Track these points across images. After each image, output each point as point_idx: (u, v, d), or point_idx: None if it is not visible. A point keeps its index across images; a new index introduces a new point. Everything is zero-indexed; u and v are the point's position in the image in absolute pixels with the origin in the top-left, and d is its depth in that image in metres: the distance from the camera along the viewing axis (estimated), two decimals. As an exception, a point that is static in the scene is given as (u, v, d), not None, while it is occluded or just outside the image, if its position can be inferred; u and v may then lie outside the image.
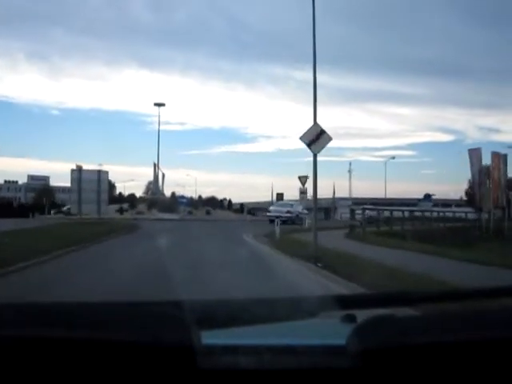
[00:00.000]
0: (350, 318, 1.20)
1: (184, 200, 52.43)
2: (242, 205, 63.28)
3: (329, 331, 1.26)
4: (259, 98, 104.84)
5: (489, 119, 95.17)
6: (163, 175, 51.30)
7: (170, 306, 1.05)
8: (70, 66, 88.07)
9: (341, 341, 0.94)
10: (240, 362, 0.92)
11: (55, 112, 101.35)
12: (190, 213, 50.61)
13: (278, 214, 31.45)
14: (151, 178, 51.87)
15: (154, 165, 49.35)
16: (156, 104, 48.98)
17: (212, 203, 61.31)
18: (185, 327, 0.92)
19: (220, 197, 69.12)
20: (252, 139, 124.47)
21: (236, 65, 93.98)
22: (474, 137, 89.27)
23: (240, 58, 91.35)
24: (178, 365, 0.89)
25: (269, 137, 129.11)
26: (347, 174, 69.47)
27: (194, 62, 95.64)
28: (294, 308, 1.16)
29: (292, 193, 59.67)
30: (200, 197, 66.02)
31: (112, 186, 52.11)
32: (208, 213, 55.22)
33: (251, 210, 59.33)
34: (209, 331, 1.00)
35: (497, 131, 71.51)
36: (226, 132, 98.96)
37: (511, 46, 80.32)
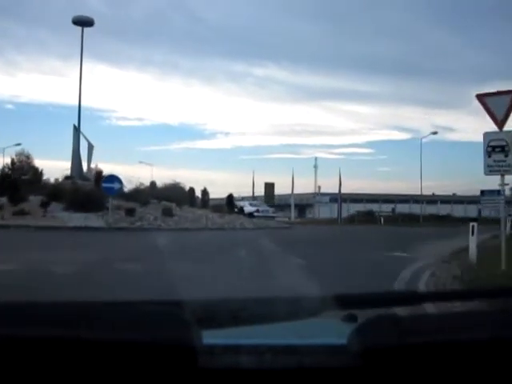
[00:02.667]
0: (352, 318, 1.20)
1: (114, 186, 25.72)
2: (230, 196, 45.41)
3: (330, 331, 1.28)
4: (218, 95, 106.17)
5: (443, 118, 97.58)
6: (90, 147, 32.60)
7: (170, 306, 1.05)
8: (24, 59, 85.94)
9: (342, 340, 0.94)
10: (241, 362, 0.92)
11: (10, 106, 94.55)
12: (129, 213, 26.84)
13: (251, 211, 38.90)
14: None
15: (74, 128, 32.88)
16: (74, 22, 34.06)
17: (175, 195, 33.50)
18: (186, 326, 0.91)
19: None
20: (210, 136, 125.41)
21: (194, 61, 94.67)
22: (429, 135, 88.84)
23: (199, 54, 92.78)
24: (178, 364, 0.89)
25: (227, 133, 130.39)
26: (306, 171, 67.29)
27: (152, 58, 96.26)
28: (295, 307, 1.16)
29: (247, 190, 58.72)
30: (153, 184, 38.12)
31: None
32: (168, 213, 29.26)
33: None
34: (210, 331, 1.00)
35: (450, 129, 74.74)
36: (184, 128, 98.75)
37: (467, 47, 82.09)
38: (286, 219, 48.83)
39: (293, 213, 51.83)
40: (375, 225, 41.83)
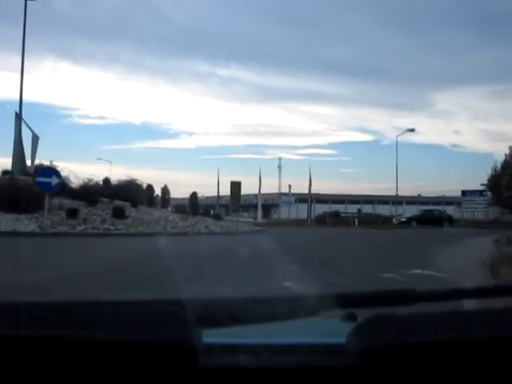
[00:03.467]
0: (351, 317, 1.19)
1: (52, 181, 20.58)
2: (193, 195, 41.43)
3: (329, 330, 1.27)
4: (183, 94, 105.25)
5: (406, 120, 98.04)
6: (35, 139, 27.09)
7: (170, 305, 1.05)
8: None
9: (341, 339, 0.94)
10: (240, 361, 0.92)
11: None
12: (71, 214, 21.86)
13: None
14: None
15: (16, 115, 27.91)
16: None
17: (130, 194, 29.38)
18: (185, 326, 0.92)
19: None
20: (174, 135, 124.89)
21: (160, 60, 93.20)
22: (392, 137, 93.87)
23: (164, 53, 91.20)
24: (178, 363, 0.89)
25: (191, 133, 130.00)
26: (270, 172, 66.46)
27: (116, 56, 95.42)
28: (295, 306, 1.16)
29: (211, 189, 55.47)
30: (107, 181, 32.59)
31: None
32: (119, 214, 24.04)
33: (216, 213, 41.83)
34: (209, 330, 1.00)
35: (413, 132, 69.04)
36: (148, 127, 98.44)
37: (429, 51, 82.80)
38: (251, 220, 47.09)
39: (259, 213, 48.44)
40: (349, 227, 38.40)
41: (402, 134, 44.83)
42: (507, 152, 48.41)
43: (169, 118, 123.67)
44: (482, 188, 44.87)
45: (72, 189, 25.74)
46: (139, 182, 33.22)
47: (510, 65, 80.00)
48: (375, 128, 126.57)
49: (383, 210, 52.59)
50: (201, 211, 38.58)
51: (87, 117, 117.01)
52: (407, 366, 0.90)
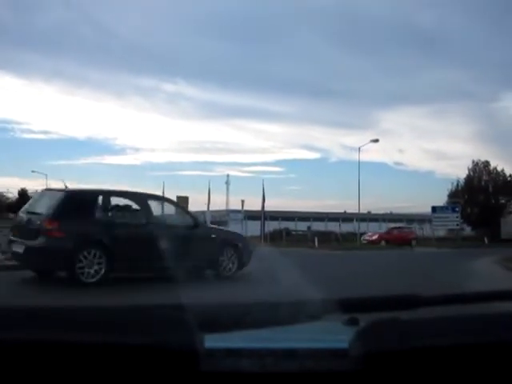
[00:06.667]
0: (353, 321, 1.20)
1: None
2: None
3: (331, 334, 1.27)
4: (128, 110, 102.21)
5: (351, 138, 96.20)
6: None
7: (173, 310, 1.06)
8: None
9: (343, 344, 0.95)
10: (243, 366, 0.92)
11: None
12: None
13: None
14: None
15: None
16: None
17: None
18: (188, 330, 0.92)
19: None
20: (120, 151, 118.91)
21: (105, 75, 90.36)
22: (338, 155, 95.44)
23: (109, 68, 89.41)
24: (180, 368, 0.89)
25: (137, 149, 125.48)
26: (217, 188, 67.02)
27: (60, 70, 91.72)
28: (297, 311, 1.15)
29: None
30: (24, 194, 28.15)
31: None
32: None
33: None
34: (212, 335, 1.00)
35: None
36: (92, 143, 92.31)
37: (375, 70, 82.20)
38: None
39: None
40: (308, 247, 33.58)
41: (366, 145, 41.68)
42: (470, 166, 46.63)
43: (114, 133, 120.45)
44: (443, 203, 42.45)
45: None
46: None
47: (452, 85, 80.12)
48: (322, 146, 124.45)
49: (334, 227, 51.31)
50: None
51: (30, 131, 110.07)
52: (410, 370, 0.90)
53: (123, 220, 10.39)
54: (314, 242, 35.30)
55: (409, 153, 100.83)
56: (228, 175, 63.22)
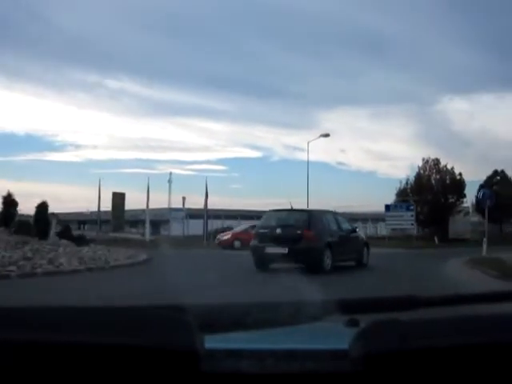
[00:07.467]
0: (354, 323, 1.20)
1: None
2: (41, 208, 25.34)
3: (331, 336, 1.28)
4: (69, 105, 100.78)
5: (294, 138, 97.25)
6: None
7: (173, 310, 1.05)
8: None
9: (343, 345, 0.94)
10: (243, 367, 0.92)
11: None
12: None
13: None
14: None
15: None
16: None
17: None
18: (188, 331, 0.91)
19: (25, 208, 28.84)
20: (60, 148, 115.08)
21: (46, 69, 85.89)
22: (281, 154, 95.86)
23: (51, 63, 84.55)
24: (180, 369, 0.89)
25: (78, 146, 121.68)
26: (160, 186, 66.27)
27: None
28: (298, 312, 1.15)
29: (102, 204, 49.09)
30: None
31: None
32: None
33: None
34: (212, 335, 1.00)
35: (301, 150, 75.91)
36: (32, 139, 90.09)
37: (317, 72, 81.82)
38: (138, 236, 41.95)
39: (148, 230, 42.15)
40: None
41: (315, 140, 39.80)
42: (420, 165, 45.69)
43: (55, 129, 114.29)
44: (391, 202, 41.22)
45: None
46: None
47: (394, 88, 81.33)
48: (264, 145, 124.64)
49: None
50: (58, 230, 25.03)
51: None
52: (410, 371, 0.90)
53: (335, 229, 15.64)
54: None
55: (351, 153, 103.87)
56: (171, 173, 62.22)
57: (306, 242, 14.03)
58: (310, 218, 15.05)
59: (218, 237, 35.73)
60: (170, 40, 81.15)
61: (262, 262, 14.55)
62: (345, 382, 0.91)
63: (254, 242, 15.23)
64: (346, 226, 16.70)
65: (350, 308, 1.16)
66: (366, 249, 16.68)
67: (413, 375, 0.89)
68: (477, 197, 43.03)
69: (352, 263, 15.76)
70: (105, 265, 16.34)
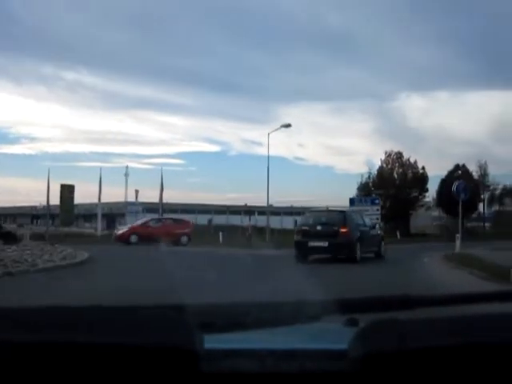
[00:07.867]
0: (353, 322, 1.20)
1: None
2: None
3: (331, 335, 1.27)
4: (25, 97, 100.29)
5: (253, 133, 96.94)
6: None
7: (172, 310, 1.04)
8: None
9: (343, 345, 0.94)
10: (242, 366, 0.92)
11: None
12: None
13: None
14: None
15: None
16: None
17: None
18: (187, 331, 0.92)
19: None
20: (14, 140, 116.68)
21: (1, 60, 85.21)
22: (239, 148, 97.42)
23: (6, 53, 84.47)
24: (180, 369, 0.89)
25: (33, 138, 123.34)
26: (117, 180, 69.57)
27: None
28: (297, 312, 1.15)
29: (53, 198, 46.14)
30: None
31: None
32: None
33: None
34: (211, 335, 1.00)
35: (259, 144, 75.15)
36: None
37: (277, 67, 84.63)
38: (92, 231, 42.17)
39: (99, 224, 40.26)
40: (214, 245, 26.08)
41: (275, 131, 38.56)
42: (382, 158, 45.00)
43: (9, 121, 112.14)
44: (356, 195, 40.38)
45: None
46: None
47: (353, 84, 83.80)
48: (222, 139, 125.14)
49: (235, 220, 50.97)
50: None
51: None
52: (409, 371, 0.90)
53: (362, 226, 18.09)
54: (249, 239, 29.55)
55: (309, 148, 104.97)
56: (127, 167, 61.24)
57: (342, 237, 16.59)
58: (345, 216, 17.76)
59: (115, 231, 32.27)
60: (128, 33, 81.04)
61: (305, 255, 17.03)
62: (344, 381, 0.91)
63: (297, 238, 17.62)
64: (368, 222, 19.45)
65: (348, 307, 1.17)
66: (382, 242, 19.19)
67: (412, 375, 0.89)
68: (439, 191, 42.74)
69: (372, 255, 17.87)
70: (30, 268, 13.25)
